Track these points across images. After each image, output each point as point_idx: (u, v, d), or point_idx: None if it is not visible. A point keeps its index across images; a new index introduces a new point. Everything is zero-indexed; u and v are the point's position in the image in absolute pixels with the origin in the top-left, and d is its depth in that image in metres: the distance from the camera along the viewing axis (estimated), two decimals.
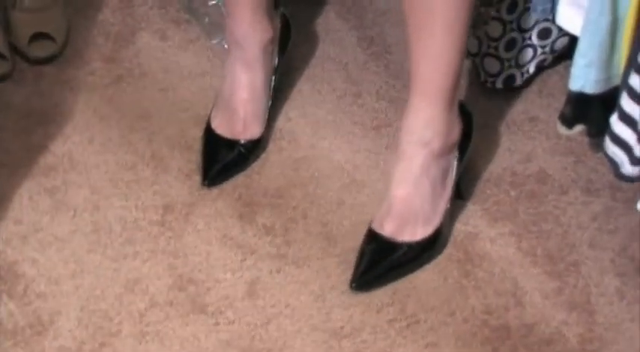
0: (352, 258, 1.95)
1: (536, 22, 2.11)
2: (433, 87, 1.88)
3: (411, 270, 1.95)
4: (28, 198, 2.01)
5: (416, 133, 1.91)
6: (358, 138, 2.14)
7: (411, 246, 1.94)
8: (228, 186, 2.06)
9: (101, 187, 2.04)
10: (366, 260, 1.93)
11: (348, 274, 1.93)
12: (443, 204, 1.96)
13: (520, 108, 2.19)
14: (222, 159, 2.07)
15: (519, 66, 2.17)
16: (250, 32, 2.04)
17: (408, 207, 1.93)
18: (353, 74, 2.24)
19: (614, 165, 1.84)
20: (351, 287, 1.92)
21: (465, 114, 1.97)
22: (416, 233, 1.94)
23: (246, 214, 2.01)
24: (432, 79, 1.87)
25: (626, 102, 1.78)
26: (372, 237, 1.94)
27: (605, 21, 1.78)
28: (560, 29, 2.01)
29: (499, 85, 2.18)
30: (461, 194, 2.02)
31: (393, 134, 2.09)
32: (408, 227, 1.94)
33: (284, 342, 1.85)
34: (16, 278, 1.90)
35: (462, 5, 1.81)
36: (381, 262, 1.94)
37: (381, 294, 1.91)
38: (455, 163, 1.97)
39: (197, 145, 2.09)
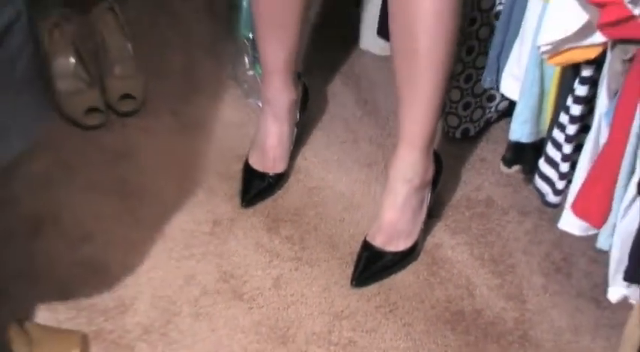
0: (351, 260, 1.95)
1: (485, 90, 2.11)
2: (416, 140, 1.87)
3: (395, 271, 1.94)
4: (115, 215, 2.00)
5: (401, 173, 1.90)
6: (355, 172, 2.13)
7: (396, 254, 1.94)
8: (259, 207, 2.05)
9: (168, 207, 2.02)
10: (362, 264, 1.92)
11: (348, 272, 1.93)
12: (420, 224, 1.95)
13: (473, 152, 2.19)
14: (256, 187, 2.06)
15: (473, 121, 2.16)
16: (279, 94, 2.03)
17: (394, 227, 1.92)
18: (352, 126, 2.23)
19: (541, 195, 1.86)
20: (351, 284, 1.91)
21: (437, 158, 1.96)
22: (399, 245, 1.93)
23: (272, 227, 2.01)
24: (415, 134, 1.86)
25: (550, 150, 1.79)
26: (367, 247, 1.93)
27: (535, 91, 1.79)
28: (502, 95, 1.99)
29: (458, 135, 2.17)
30: (431, 214, 2.00)
31: (381, 171, 2.08)
32: (393, 241, 1.93)
33: (300, 322, 1.85)
34: (106, 272, 1.89)
35: (442, 76, 1.80)
36: (373, 265, 1.93)
37: (370, 288, 1.91)
38: (429, 194, 1.96)
39: (238, 177, 2.07)
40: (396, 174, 1.91)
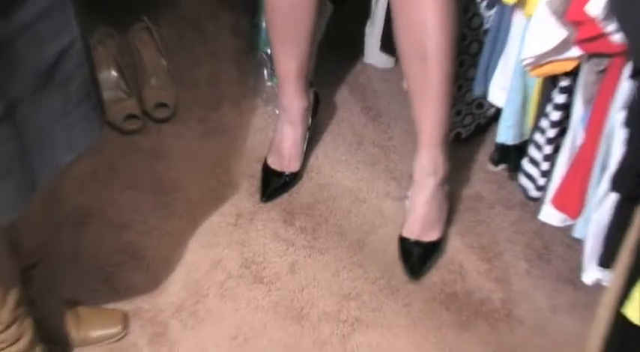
0: (357, 248, 1.96)
1: (475, 99, 2.10)
2: (433, 137, 1.87)
3: (436, 260, 1.92)
4: (151, 208, 2.01)
5: (426, 169, 1.90)
6: (360, 171, 2.12)
7: (431, 244, 1.92)
8: (277, 201, 2.04)
9: (197, 202, 2.03)
10: (415, 257, 1.90)
11: (355, 259, 1.93)
12: (446, 214, 1.96)
13: (464, 153, 2.17)
14: (274, 184, 2.05)
15: (464, 126, 2.15)
16: (294, 102, 2.03)
17: (426, 220, 1.92)
18: (357, 130, 2.22)
19: (524, 190, 1.86)
20: (412, 278, 1.88)
21: None
22: (434, 235, 1.93)
23: (288, 219, 2.01)
24: (432, 133, 1.87)
25: (532, 151, 1.80)
26: (406, 242, 1.91)
27: (519, 99, 1.79)
28: (490, 103, 1.98)
29: (451, 138, 2.13)
30: None
31: (384, 170, 2.08)
32: (426, 232, 1.92)
33: (312, 302, 1.85)
34: (143, 258, 1.91)
35: (450, 78, 1.80)
36: (413, 256, 1.90)
37: (373, 272, 1.91)
38: (448, 188, 1.96)
39: (258, 175, 2.07)
40: (422, 170, 1.90)
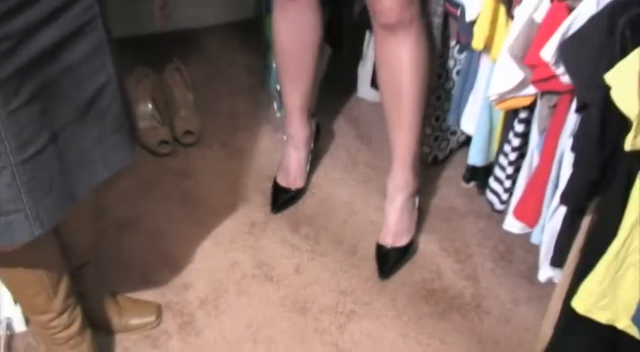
0: (351, 252, 1.93)
1: (449, 127, 2.09)
2: (405, 158, 1.85)
3: (405, 262, 1.90)
4: (180, 218, 2.00)
5: (397, 185, 1.88)
6: (355, 188, 2.11)
7: (402, 248, 1.90)
8: (285, 213, 2.03)
9: (218, 212, 2.02)
10: (384, 261, 1.89)
11: (350, 261, 1.91)
12: (414, 223, 1.93)
13: (441, 173, 2.17)
14: (282, 198, 2.04)
15: (440, 150, 2.15)
16: (298, 130, 2.02)
17: (397, 227, 1.90)
18: (352, 153, 2.21)
19: (490, 204, 1.85)
20: (380, 277, 1.86)
21: None
22: (404, 240, 1.91)
23: (295, 228, 2.00)
24: (404, 155, 1.85)
25: (497, 171, 1.79)
26: (381, 248, 1.90)
27: (486, 128, 1.79)
28: (462, 131, 1.98)
29: (430, 160, 2.14)
30: None
31: (375, 187, 2.06)
32: (398, 238, 1.90)
33: (314, 297, 1.84)
34: (173, 260, 1.90)
35: (421, 109, 1.79)
36: (390, 260, 1.89)
37: (366, 272, 1.89)
38: (417, 201, 1.94)
39: (269, 190, 2.05)
40: (395, 186, 1.89)
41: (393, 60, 1.74)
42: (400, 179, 1.88)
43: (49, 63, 1.18)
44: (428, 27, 1.79)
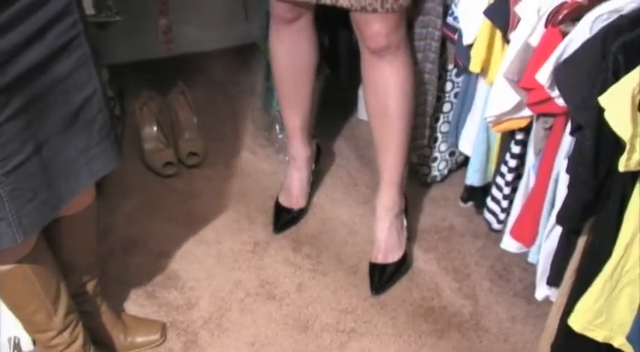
0: (352, 271, 1.93)
1: (448, 148, 2.09)
2: (392, 179, 1.86)
3: (399, 277, 1.90)
4: (184, 237, 1.99)
5: (385, 205, 1.89)
6: (355, 208, 2.11)
7: (393, 264, 1.90)
8: (287, 232, 2.02)
9: (221, 232, 2.01)
10: (375, 278, 1.88)
11: (351, 280, 1.90)
12: (404, 239, 1.92)
13: (439, 193, 2.16)
14: (284, 218, 2.03)
15: (439, 170, 2.14)
16: (300, 151, 2.02)
17: (386, 244, 1.90)
18: (352, 174, 2.21)
19: (488, 223, 1.86)
20: (372, 293, 1.86)
21: (405, 196, 1.93)
22: (394, 257, 1.90)
23: (297, 247, 1.99)
24: (391, 176, 1.85)
25: (494, 191, 1.79)
26: (373, 266, 1.89)
27: (483, 149, 1.79)
28: (460, 152, 1.99)
29: (428, 180, 2.15)
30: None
31: (374, 207, 2.04)
32: (389, 255, 1.90)
33: (316, 315, 1.83)
34: (178, 279, 1.90)
35: (407, 132, 1.80)
36: (382, 277, 1.88)
37: (366, 291, 1.89)
38: (405, 219, 1.94)
39: (271, 211, 2.05)
40: (382, 206, 1.89)
41: (381, 83, 1.75)
42: (388, 199, 1.88)
43: (35, 79, 1.20)
44: (412, 52, 1.80)
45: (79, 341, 1.56)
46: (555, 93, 1.43)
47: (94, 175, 1.38)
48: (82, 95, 1.29)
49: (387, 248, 1.90)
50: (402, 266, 1.92)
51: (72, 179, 1.34)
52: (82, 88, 1.29)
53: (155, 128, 2.21)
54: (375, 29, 1.65)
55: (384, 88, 1.74)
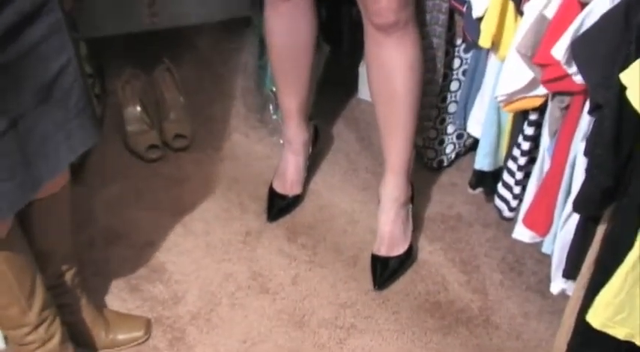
0: (352, 262, 1.93)
1: (456, 130, 2.10)
2: (398, 167, 1.86)
3: (403, 272, 1.91)
4: (171, 227, 2.00)
5: (390, 194, 1.89)
6: (355, 194, 2.11)
7: (398, 258, 1.90)
8: (281, 221, 2.03)
9: (210, 221, 2.02)
10: (378, 272, 1.88)
11: (350, 272, 1.91)
12: (409, 231, 1.93)
13: (446, 178, 2.17)
14: (279, 205, 2.04)
15: (446, 154, 2.15)
16: (296, 134, 2.03)
17: (391, 236, 1.90)
18: (352, 158, 2.22)
19: (499, 211, 1.86)
20: (374, 288, 1.87)
21: (411, 184, 1.94)
22: (399, 250, 1.90)
23: (291, 237, 2.00)
24: (397, 163, 1.86)
25: (505, 176, 1.80)
26: (375, 259, 1.90)
27: (494, 131, 1.80)
28: (469, 134, 2.00)
29: (434, 165, 2.16)
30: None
31: (376, 193, 2.04)
32: (394, 248, 1.90)
33: (313, 310, 1.84)
34: (164, 272, 1.90)
35: (415, 114, 1.79)
36: (385, 271, 1.88)
37: (366, 284, 1.89)
38: (411, 209, 1.95)
39: (264, 198, 2.05)
40: (387, 195, 1.90)
41: (387, 63, 1.74)
42: (393, 188, 1.88)
43: (6, 47, 1.21)
44: (421, 27, 1.80)
45: (56, 339, 1.56)
46: (572, 69, 1.42)
47: (74, 152, 1.39)
48: (57, 64, 1.31)
49: (391, 240, 1.90)
50: (407, 260, 1.93)
51: (51, 156, 1.35)
52: (56, 56, 1.30)
53: (138, 108, 2.21)
54: (382, 4, 1.64)
55: (391, 67, 1.74)
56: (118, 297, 1.84)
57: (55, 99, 1.32)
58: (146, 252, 1.94)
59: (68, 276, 1.63)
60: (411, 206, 1.95)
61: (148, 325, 1.76)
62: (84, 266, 1.77)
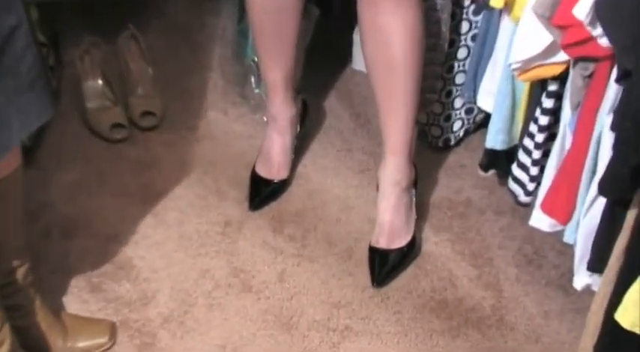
0: (346, 256, 1.94)
1: (464, 104, 2.10)
2: (399, 147, 1.87)
3: (405, 267, 1.91)
4: (139, 217, 2.00)
5: (391, 177, 1.89)
6: (349, 178, 2.12)
7: (400, 250, 1.90)
8: (265, 209, 2.03)
9: (184, 210, 2.02)
10: (376, 267, 1.89)
11: (344, 266, 1.92)
12: (413, 220, 1.94)
13: (453, 159, 2.17)
14: (262, 192, 2.04)
15: (453, 131, 2.16)
16: (282, 110, 2.03)
17: (392, 226, 1.90)
18: (346, 137, 2.23)
19: (514, 195, 1.88)
20: (372, 285, 1.87)
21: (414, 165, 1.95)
22: (401, 242, 1.91)
23: (277, 228, 2.00)
24: (398, 143, 1.86)
25: (521, 156, 1.81)
26: (374, 251, 1.90)
27: (507, 104, 1.81)
28: (479, 108, 2.01)
29: (440, 144, 2.16)
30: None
31: (373, 176, 2.06)
32: (395, 239, 1.90)
33: (302, 311, 1.84)
34: (131, 268, 1.90)
35: (416, 86, 1.80)
36: (385, 265, 1.89)
37: (363, 280, 1.90)
38: (414, 194, 1.95)
39: (246, 183, 2.05)
40: (387, 179, 1.90)
41: (384, 29, 1.74)
42: (394, 171, 1.89)
43: None
44: None
45: (5, 347, 1.55)
46: (597, 31, 1.42)
47: (27, 127, 1.40)
48: (5, 25, 1.31)
49: (392, 230, 1.91)
50: (410, 253, 1.94)
51: (3, 131, 1.35)
52: (3, 15, 1.30)
53: (100, 82, 2.21)
54: None
55: (389, 32, 1.74)
56: (78, 298, 1.84)
57: (4, 67, 1.32)
58: (110, 246, 1.94)
59: (20, 273, 1.62)
60: (414, 191, 1.95)
61: (112, 330, 1.76)
62: (38, 262, 1.77)
